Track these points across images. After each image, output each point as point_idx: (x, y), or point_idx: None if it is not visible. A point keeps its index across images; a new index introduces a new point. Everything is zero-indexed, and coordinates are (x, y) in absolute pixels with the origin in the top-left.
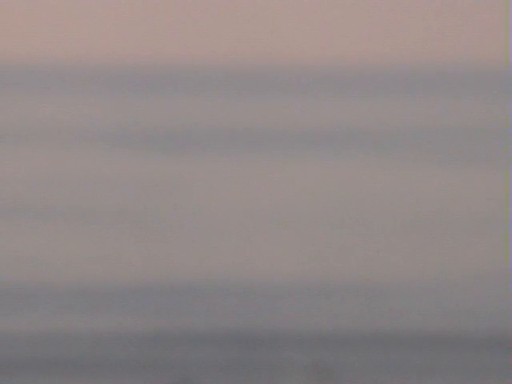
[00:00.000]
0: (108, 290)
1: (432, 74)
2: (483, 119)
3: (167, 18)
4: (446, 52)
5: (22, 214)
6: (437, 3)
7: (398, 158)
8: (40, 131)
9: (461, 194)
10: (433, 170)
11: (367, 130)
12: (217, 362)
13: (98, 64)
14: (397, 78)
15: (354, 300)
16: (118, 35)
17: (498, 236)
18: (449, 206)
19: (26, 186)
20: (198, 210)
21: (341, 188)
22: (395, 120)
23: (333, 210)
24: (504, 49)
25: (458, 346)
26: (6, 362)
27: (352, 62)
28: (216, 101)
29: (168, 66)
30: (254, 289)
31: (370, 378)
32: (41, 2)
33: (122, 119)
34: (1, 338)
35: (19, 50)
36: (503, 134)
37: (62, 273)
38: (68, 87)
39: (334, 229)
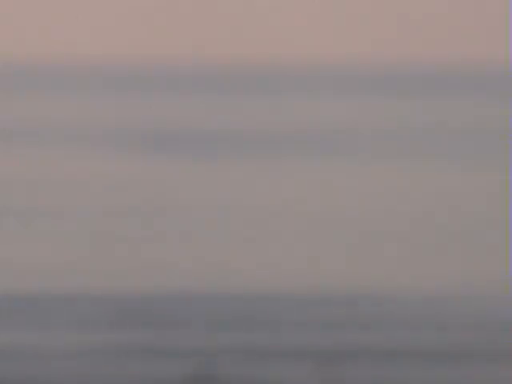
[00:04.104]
0: (104, 295)
1: (432, 74)
2: (483, 119)
3: (167, 17)
4: (446, 52)
5: (20, 215)
6: (437, 3)
7: (399, 158)
8: (39, 131)
9: (461, 194)
10: (433, 170)
11: (367, 130)
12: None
13: (97, 64)
14: (396, 77)
15: (356, 309)
16: (117, 35)
17: (499, 238)
18: (448, 206)
19: (24, 186)
20: (198, 212)
21: (341, 188)
22: (395, 120)
23: (334, 212)
24: (504, 49)
25: (460, 358)
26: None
27: (352, 61)
28: (216, 101)
29: (168, 65)
30: (253, 295)
31: None
32: (41, 1)
33: (121, 119)
34: None
35: (19, 50)
36: (503, 134)
37: (58, 277)
38: (68, 87)
39: (334, 230)
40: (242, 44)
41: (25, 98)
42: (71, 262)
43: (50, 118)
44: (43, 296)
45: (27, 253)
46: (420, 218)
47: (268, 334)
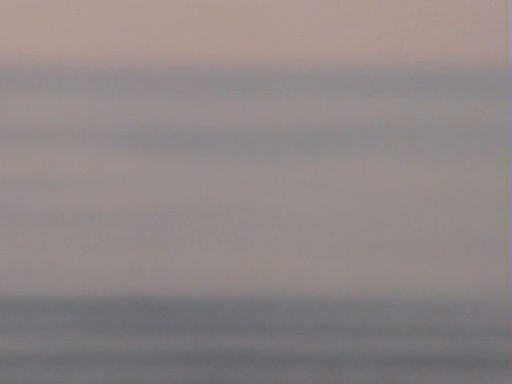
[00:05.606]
0: (101, 302)
1: (432, 74)
2: (483, 119)
3: (167, 17)
4: (446, 52)
5: (19, 217)
6: (437, 3)
7: (399, 158)
8: (39, 131)
9: (461, 194)
10: (433, 170)
11: (367, 130)
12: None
13: (97, 64)
14: (396, 77)
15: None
16: (117, 35)
17: (500, 240)
18: (448, 206)
19: (23, 186)
20: (197, 213)
21: (341, 189)
22: (395, 120)
23: (333, 213)
24: (504, 49)
25: (458, 365)
26: None
27: (352, 62)
28: (216, 101)
29: (168, 65)
30: (249, 301)
31: None
32: (41, 1)
33: (121, 119)
34: None
35: (19, 49)
36: (503, 134)
37: (56, 282)
38: (68, 87)
39: (334, 231)
40: (241, 44)
41: (24, 98)
42: (70, 263)
43: (50, 118)
44: (43, 298)
45: (26, 255)
46: (418, 218)
47: (266, 339)
